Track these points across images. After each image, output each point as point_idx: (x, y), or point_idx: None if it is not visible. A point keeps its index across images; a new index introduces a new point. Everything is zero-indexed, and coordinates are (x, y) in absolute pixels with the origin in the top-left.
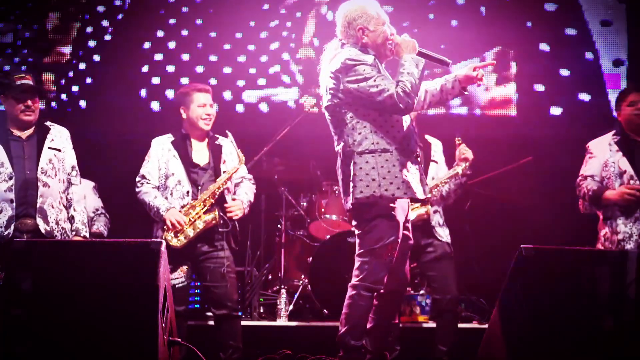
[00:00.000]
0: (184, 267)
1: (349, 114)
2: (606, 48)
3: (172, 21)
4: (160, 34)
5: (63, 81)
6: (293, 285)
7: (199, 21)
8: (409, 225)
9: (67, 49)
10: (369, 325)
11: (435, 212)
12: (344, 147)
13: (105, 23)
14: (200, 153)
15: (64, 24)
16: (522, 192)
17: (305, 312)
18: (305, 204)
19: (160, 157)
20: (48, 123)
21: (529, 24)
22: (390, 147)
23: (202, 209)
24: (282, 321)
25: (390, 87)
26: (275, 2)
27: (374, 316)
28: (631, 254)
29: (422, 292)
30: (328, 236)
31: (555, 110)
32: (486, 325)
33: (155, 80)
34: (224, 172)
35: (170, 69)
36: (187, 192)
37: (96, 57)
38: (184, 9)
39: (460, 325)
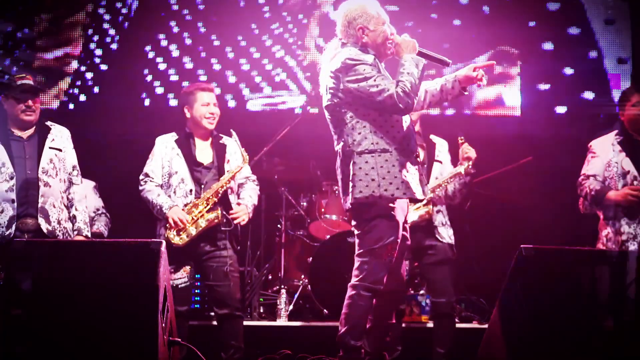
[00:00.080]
0: (187, 268)
1: (349, 114)
2: (609, 46)
3: (175, 28)
4: (164, 42)
5: (68, 83)
6: (293, 285)
7: (202, 29)
8: (407, 225)
9: (69, 50)
10: (367, 326)
11: (437, 211)
12: (343, 146)
13: (106, 25)
14: (204, 152)
15: (66, 26)
16: (522, 192)
17: (305, 312)
18: (305, 204)
19: (164, 156)
20: (49, 123)
21: (532, 23)
22: (389, 147)
23: (205, 207)
24: (282, 321)
25: (390, 87)
26: (277, 7)
27: (371, 316)
28: (631, 254)
29: (422, 292)
30: (328, 236)
31: (560, 109)
32: (486, 325)
33: (158, 87)
34: (227, 171)
35: (174, 77)
36: (190, 190)
37: (97, 60)
38: (188, 17)
39: (460, 325)
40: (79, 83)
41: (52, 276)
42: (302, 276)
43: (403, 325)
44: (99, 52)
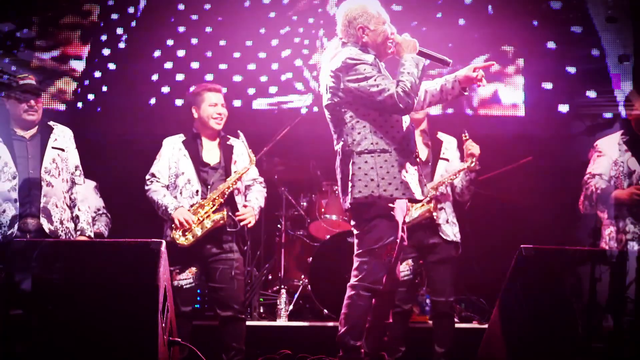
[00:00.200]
0: (193, 269)
1: (349, 113)
2: (612, 44)
3: (181, 29)
4: (169, 42)
5: (75, 84)
6: (293, 285)
7: (208, 29)
8: (405, 226)
9: (71, 50)
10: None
11: (441, 209)
12: (343, 146)
13: (112, 26)
14: (211, 152)
15: (68, 26)
16: (522, 192)
17: (305, 312)
18: (305, 204)
19: (171, 157)
20: (51, 123)
21: (535, 22)
22: (389, 148)
23: (211, 208)
24: (282, 321)
25: (391, 86)
26: (284, 9)
27: (370, 316)
28: (631, 254)
29: (422, 292)
30: (328, 236)
31: (563, 108)
32: (486, 325)
33: (165, 90)
34: (234, 172)
35: (180, 77)
36: (197, 191)
37: (104, 60)
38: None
39: (460, 325)
40: (86, 83)
41: (52, 276)
42: (302, 276)
43: (409, 325)
44: (106, 51)
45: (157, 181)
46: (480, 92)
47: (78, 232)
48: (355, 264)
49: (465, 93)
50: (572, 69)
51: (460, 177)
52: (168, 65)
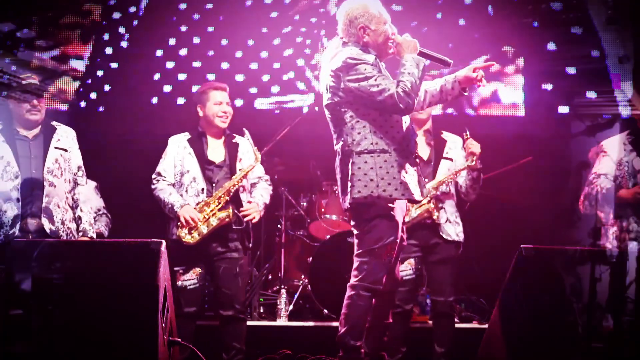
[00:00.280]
0: (197, 269)
1: (349, 113)
2: (612, 45)
3: (183, 28)
4: (172, 41)
5: (76, 84)
6: (293, 285)
7: (210, 28)
8: (404, 227)
9: (72, 49)
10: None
11: (440, 209)
12: (342, 146)
13: (114, 25)
14: (216, 150)
15: (70, 26)
16: (522, 192)
17: (305, 312)
18: (305, 204)
19: (176, 155)
20: (54, 123)
21: (535, 23)
22: (389, 148)
23: (217, 206)
24: (282, 321)
25: (391, 86)
26: (285, 8)
27: (369, 316)
28: (631, 254)
29: (422, 292)
30: (328, 236)
31: (562, 109)
32: (486, 325)
33: (166, 89)
34: (239, 170)
35: (182, 76)
36: (202, 189)
37: (106, 59)
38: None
39: (460, 325)
40: (88, 82)
41: (52, 276)
42: (302, 276)
43: (411, 326)
44: (108, 50)
45: (163, 180)
46: (480, 92)
47: (80, 233)
48: (355, 264)
49: (465, 93)
50: (572, 70)
51: (463, 176)
52: (170, 64)
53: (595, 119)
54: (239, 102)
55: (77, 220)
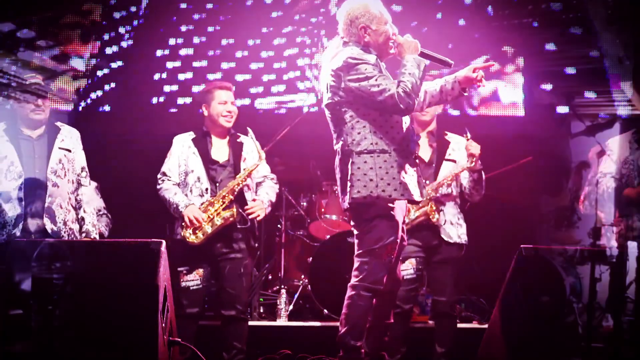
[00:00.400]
0: (200, 270)
1: (349, 113)
2: (611, 45)
3: (184, 28)
4: (172, 41)
5: (77, 84)
6: (293, 285)
7: (210, 28)
8: (404, 227)
9: (73, 49)
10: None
11: (440, 210)
12: (342, 145)
13: (115, 25)
14: (220, 150)
15: (69, 27)
16: (522, 192)
17: (305, 312)
18: (305, 204)
19: (180, 155)
20: (58, 123)
21: (535, 23)
22: (389, 148)
23: (221, 205)
24: (282, 321)
25: (392, 87)
26: (286, 8)
27: (370, 316)
28: (631, 254)
29: (422, 292)
30: (328, 236)
31: (562, 109)
32: (486, 325)
33: (168, 89)
34: (243, 169)
35: (183, 76)
36: (206, 189)
37: (108, 59)
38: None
39: (460, 325)
40: (90, 82)
41: (52, 276)
42: (302, 276)
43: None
44: (109, 50)
45: (168, 179)
46: (480, 91)
47: (83, 234)
48: (356, 264)
49: (465, 94)
50: (571, 70)
51: (467, 178)
52: (171, 64)
53: (595, 119)
54: (239, 102)
55: (80, 221)
